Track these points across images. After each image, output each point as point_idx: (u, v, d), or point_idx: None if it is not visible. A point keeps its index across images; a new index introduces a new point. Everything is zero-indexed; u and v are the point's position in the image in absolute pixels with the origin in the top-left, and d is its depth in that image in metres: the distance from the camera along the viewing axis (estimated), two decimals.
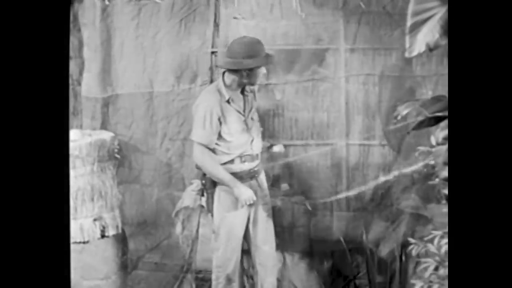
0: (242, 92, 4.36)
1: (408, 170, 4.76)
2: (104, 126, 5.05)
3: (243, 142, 4.33)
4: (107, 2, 5.00)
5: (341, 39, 4.96)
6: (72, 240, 4.55)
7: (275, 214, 4.61)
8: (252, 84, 4.32)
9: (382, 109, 4.97)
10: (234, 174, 4.31)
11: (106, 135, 4.73)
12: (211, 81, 4.99)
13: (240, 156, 4.33)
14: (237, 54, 4.17)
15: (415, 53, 3.41)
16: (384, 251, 4.72)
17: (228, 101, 4.27)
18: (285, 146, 5.09)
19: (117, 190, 4.73)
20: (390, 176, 4.89)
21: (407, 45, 3.49)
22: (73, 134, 4.66)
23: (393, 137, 4.91)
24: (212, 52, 5.01)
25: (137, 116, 5.06)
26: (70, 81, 5.63)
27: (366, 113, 5.02)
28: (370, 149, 5.03)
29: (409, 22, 3.45)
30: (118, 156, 4.75)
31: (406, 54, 3.50)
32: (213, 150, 4.27)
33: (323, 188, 5.05)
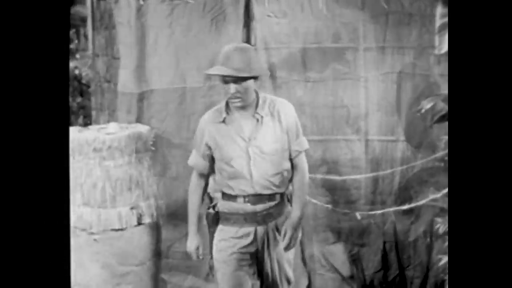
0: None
1: (428, 164, 4.98)
2: (139, 120, 5.26)
3: (241, 172, 3.75)
4: (141, 2, 5.22)
5: (360, 38, 5.17)
6: (110, 227, 4.79)
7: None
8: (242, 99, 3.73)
9: (402, 106, 5.17)
10: (237, 215, 3.80)
11: (143, 128, 4.97)
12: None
13: (243, 195, 3.77)
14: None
15: (443, 51, 3.65)
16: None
17: (224, 121, 3.79)
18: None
19: (153, 180, 4.97)
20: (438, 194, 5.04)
21: (437, 43, 3.72)
22: (112, 127, 4.91)
23: (414, 133, 5.10)
24: None
25: (170, 110, 5.26)
26: (97, 78, 5.87)
27: (385, 110, 5.21)
28: (389, 145, 5.23)
29: (437, 23, 3.70)
30: (153, 148, 4.99)
31: (436, 52, 3.73)
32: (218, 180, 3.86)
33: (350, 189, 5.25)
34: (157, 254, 5.03)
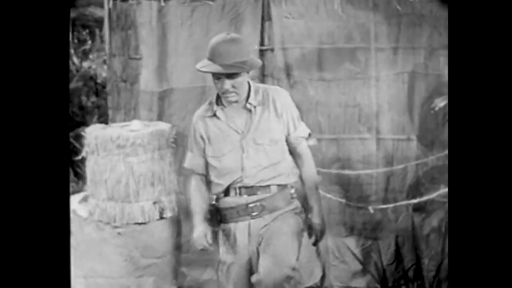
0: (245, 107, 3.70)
1: (439, 162, 5.14)
2: (160, 117, 5.44)
3: (232, 167, 3.66)
4: (162, 4, 5.41)
5: (372, 39, 5.34)
6: (133, 221, 4.97)
7: None
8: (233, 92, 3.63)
9: (413, 105, 5.32)
10: (230, 209, 3.70)
11: (165, 126, 5.15)
12: (262, 76, 5.39)
13: (235, 187, 3.67)
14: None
15: None
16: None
17: (215, 115, 3.72)
18: (318, 140, 5.47)
19: (174, 176, 5.15)
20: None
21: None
22: (135, 124, 5.08)
23: (427, 131, 5.26)
24: (260, 50, 5.40)
25: (190, 108, 5.42)
26: (114, 78, 6.03)
27: (396, 109, 5.36)
28: (400, 143, 5.37)
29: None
30: (173, 145, 5.17)
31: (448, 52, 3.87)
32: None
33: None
34: (178, 247, 5.19)
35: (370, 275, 5.22)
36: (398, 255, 5.23)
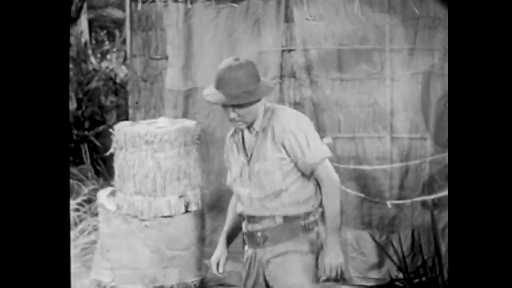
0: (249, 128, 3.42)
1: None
2: (185, 115, 5.66)
3: (239, 195, 3.46)
4: (189, 6, 5.63)
5: (388, 40, 5.53)
6: (160, 214, 5.17)
7: None
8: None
9: (428, 104, 5.49)
10: (244, 234, 3.49)
11: (190, 123, 5.35)
12: (281, 77, 5.60)
13: (244, 215, 3.46)
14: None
15: None
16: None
17: (232, 136, 3.52)
18: (333, 138, 5.68)
19: (198, 171, 5.35)
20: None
21: None
22: (161, 121, 5.29)
23: (442, 130, 5.43)
24: (282, 51, 5.62)
25: (214, 107, 5.61)
26: (134, 78, 6.24)
27: (411, 108, 5.54)
28: (413, 142, 5.54)
29: None
30: (198, 141, 5.37)
31: None
32: None
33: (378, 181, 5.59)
34: (201, 240, 5.38)
35: (388, 266, 5.41)
36: (414, 248, 5.42)
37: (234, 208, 3.55)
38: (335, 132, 5.59)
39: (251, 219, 3.40)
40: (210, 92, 3.42)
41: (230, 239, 3.62)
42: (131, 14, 6.14)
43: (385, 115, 5.55)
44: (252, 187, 3.37)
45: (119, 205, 5.22)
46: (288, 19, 5.55)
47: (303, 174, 3.35)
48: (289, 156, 3.32)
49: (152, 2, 5.83)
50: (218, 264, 3.60)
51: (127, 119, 6.31)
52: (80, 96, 9.11)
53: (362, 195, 5.47)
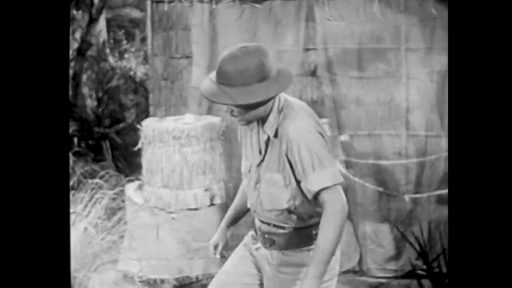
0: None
1: None
2: (209, 112, 5.85)
3: (247, 191, 3.10)
4: (213, 6, 5.82)
5: (404, 39, 5.69)
6: (186, 207, 5.36)
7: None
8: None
9: (443, 103, 5.63)
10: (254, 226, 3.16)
11: (215, 119, 5.55)
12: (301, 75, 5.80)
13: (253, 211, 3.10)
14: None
15: None
16: None
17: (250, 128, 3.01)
18: (350, 135, 5.82)
19: (223, 165, 5.55)
20: None
21: None
22: (188, 118, 5.48)
23: None
24: (306, 49, 5.81)
25: None
26: (155, 76, 6.41)
27: (426, 106, 5.70)
28: (429, 140, 5.71)
29: None
30: (223, 137, 5.56)
31: None
32: None
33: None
34: None
35: (406, 257, 5.58)
36: (431, 240, 5.59)
37: (243, 194, 3.22)
38: (355, 129, 5.77)
39: (263, 219, 3.05)
40: (206, 83, 2.84)
41: (232, 223, 3.31)
42: (152, 14, 6.30)
43: (402, 112, 5.72)
44: (256, 191, 2.98)
45: (147, 198, 5.40)
46: (308, 18, 5.73)
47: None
48: (293, 173, 2.87)
49: (173, 2, 6.00)
50: (216, 247, 3.31)
51: (147, 116, 6.43)
52: (100, 94, 9.28)
53: (381, 189, 5.65)
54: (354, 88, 5.76)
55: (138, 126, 5.58)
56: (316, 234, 2.86)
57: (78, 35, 9.34)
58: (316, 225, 2.89)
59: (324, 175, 2.80)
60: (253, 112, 2.82)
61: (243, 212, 3.27)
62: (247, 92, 2.73)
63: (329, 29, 5.68)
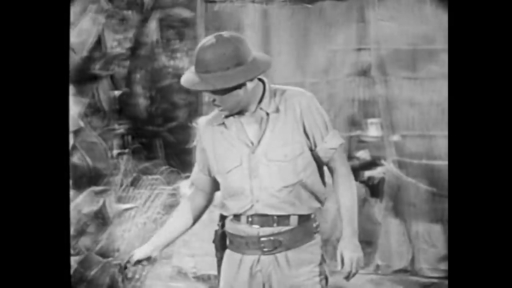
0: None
1: None
2: None
3: (238, 188, 2.88)
4: (265, 6, 5.89)
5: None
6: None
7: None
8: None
9: None
10: (239, 239, 2.90)
11: None
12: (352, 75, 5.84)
13: (246, 215, 2.88)
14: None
15: None
16: None
17: (223, 124, 2.92)
18: (402, 136, 5.86)
19: None
20: None
21: None
22: None
23: None
24: (357, 49, 5.85)
25: None
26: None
27: None
28: None
29: None
30: None
31: None
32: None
33: None
34: None
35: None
36: None
37: (183, 209, 3.06)
38: (407, 129, 5.81)
39: (260, 219, 2.88)
40: (186, 75, 2.91)
41: (164, 246, 3.10)
42: (203, 14, 6.39)
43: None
44: (260, 177, 2.86)
45: None
46: (358, 19, 5.78)
47: (317, 165, 2.93)
48: (308, 140, 2.90)
49: (224, 2, 6.09)
50: (139, 262, 3.04)
51: (198, 116, 6.52)
52: (153, 93, 9.40)
53: (434, 189, 5.66)
54: (407, 88, 5.77)
55: (194, 124, 5.63)
56: (317, 226, 2.95)
57: (130, 35, 9.49)
58: (314, 215, 2.95)
59: (336, 134, 2.94)
60: (234, 99, 2.83)
61: (178, 235, 3.13)
62: (224, 76, 2.78)
63: (381, 29, 5.72)
